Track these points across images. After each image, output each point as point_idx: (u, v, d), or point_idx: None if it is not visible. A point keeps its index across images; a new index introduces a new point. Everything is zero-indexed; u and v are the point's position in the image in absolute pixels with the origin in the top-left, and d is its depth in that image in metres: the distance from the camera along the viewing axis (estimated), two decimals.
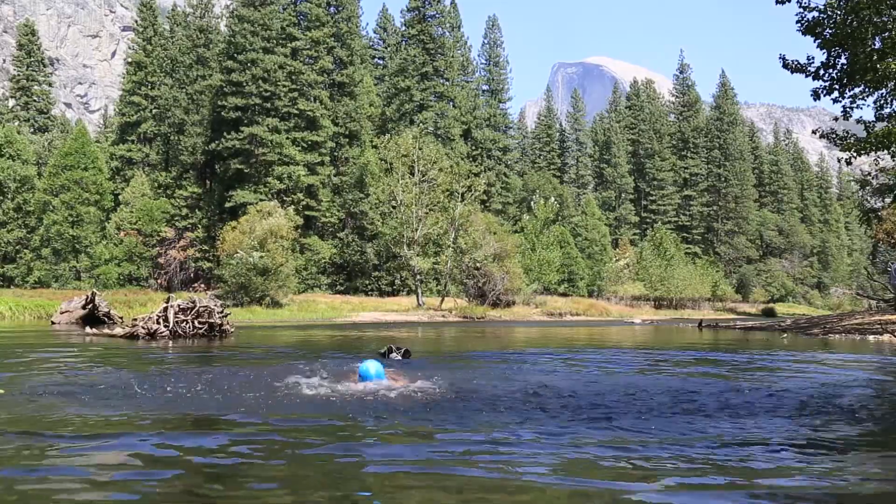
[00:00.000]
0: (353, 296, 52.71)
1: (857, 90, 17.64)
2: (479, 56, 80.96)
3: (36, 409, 5.82)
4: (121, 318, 25.02)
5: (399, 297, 54.06)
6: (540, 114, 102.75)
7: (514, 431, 4.83)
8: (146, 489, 3.46)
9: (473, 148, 71.57)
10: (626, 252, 77.53)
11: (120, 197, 55.94)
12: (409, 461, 4.00)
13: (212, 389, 6.91)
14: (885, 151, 19.15)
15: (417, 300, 47.86)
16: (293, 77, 56.61)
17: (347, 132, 60.47)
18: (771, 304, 76.94)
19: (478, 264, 47.97)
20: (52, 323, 25.27)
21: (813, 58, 17.95)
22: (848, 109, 17.96)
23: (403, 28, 72.79)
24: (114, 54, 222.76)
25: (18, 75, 67.43)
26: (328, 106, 59.52)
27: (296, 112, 56.53)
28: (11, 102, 68.78)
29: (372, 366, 6.99)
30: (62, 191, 50.32)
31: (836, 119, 19.36)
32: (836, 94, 17.76)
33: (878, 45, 16.50)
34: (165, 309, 16.98)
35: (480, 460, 4.04)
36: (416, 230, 47.72)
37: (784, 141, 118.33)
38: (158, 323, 16.61)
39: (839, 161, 20.94)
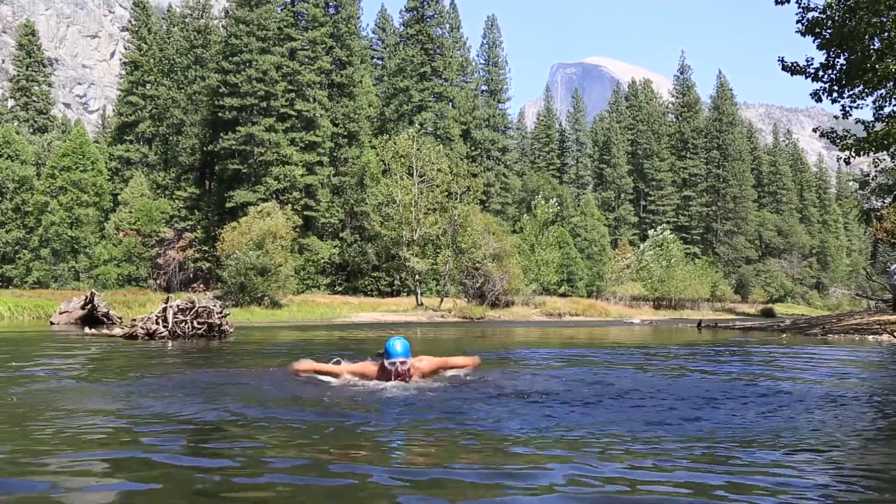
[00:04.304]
0: (353, 296, 52.73)
1: (856, 90, 17.66)
2: (478, 56, 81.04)
3: (44, 411, 5.82)
4: (120, 318, 25.01)
5: (398, 297, 54.08)
6: (539, 114, 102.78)
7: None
8: (151, 489, 3.46)
9: (472, 148, 71.58)
10: (627, 252, 77.61)
11: (119, 197, 55.94)
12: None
13: (219, 388, 6.91)
14: (885, 152, 19.17)
15: (417, 300, 47.87)
16: (290, 77, 56.64)
17: (347, 132, 60.48)
18: (770, 305, 77.00)
19: (477, 265, 47.99)
20: (51, 323, 25.26)
21: (812, 59, 17.98)
22: (847, 109, 17.97)
23: (402, 28, 72.82)
24: (113, 55, 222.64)
25: (18, 75, 67.43)
26: (327, 106, 59.53)
27: (293, 112, 56.56)
28: (11, 103, 68.77)
29: (399, 343, 6.63)
30: (60, 192, 50.30)
31: (836, 118, 19.39)
32: (835, 94, 17.78)
33: (877, 45, 16.52)
34: (164, 309, 16.97)
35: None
36: (415, 231, 47.73)
37: (783, 141, 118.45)
38: (157, 323, 16.60)
39: (838, 161, 21.01)
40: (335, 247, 57.58)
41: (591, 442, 4.49)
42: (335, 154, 60.28)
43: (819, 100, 18.07)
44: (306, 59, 59.39)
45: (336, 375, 7.07)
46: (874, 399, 7.05)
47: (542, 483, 3.54)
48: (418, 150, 48.77)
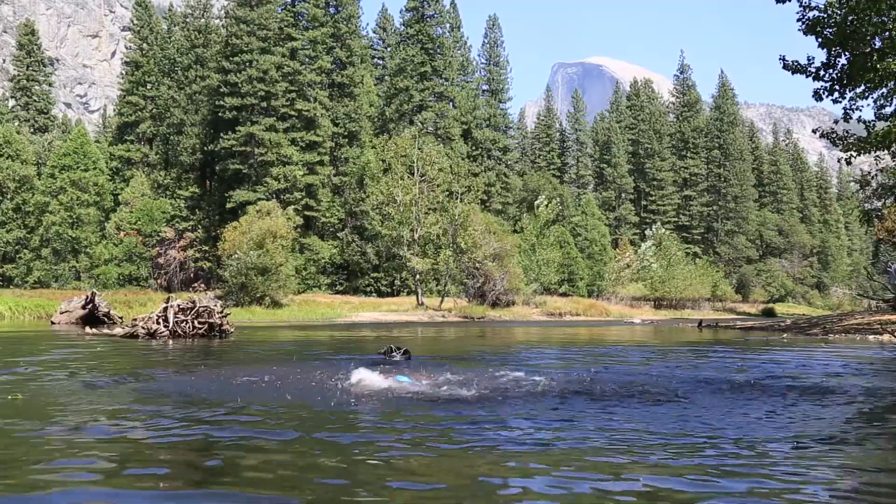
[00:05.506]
0: (353, 296, 52.72)
1: (857, 90, 17.59)
2: (479, 56, 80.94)
3: (44, 410, 5.82)
4: (120, 318, 25.02)
5: (399, 297, 54.04)
6: (540, 114, 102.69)
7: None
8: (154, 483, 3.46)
9: (473, 148, 71.53)
10: (627, 252, 77.53)
11: (119, 197, 55.93)
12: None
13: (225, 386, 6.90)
14: (886, 151, 19.13)
15: (417, 300, 47.82)
16: (291, 77, 56.56)
17: (347, 132, 60.45)
18: (771, 305, 76.83)
19: (477, 264, 47.96)
20: (52, 323, 25.27)
21: (813, 58, 17.90)
22: (848, 111, 17.90)
23: (402, 28, 72.73)
24: (113, 54, 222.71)
25: (18, 75, 67.32)
26: (327, 106, 59.49)
27: (294, 112, 56.49)
28: (11, 102, 68.67)
29: None
30: (60, 192, 50.25)
31: (836, 122, 19.34)
32: (836, 94, 17.71)
33: (878, 44, 16.47)
34: (165, 309, 16.98)
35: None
36: (416, 230, 47.67)
37: (784, 141, 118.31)
38: (158, 323, 16.61)
39: (839, 161, 20.94)
40: (335, 247, 57.56)
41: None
42: (335, 154, 60.22)
43: (820, 98, 18.00)
44: (307, 59, 59.33)
45: None
46: (877, 397, 7.04)
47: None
48: (419, 149, 48.73)
